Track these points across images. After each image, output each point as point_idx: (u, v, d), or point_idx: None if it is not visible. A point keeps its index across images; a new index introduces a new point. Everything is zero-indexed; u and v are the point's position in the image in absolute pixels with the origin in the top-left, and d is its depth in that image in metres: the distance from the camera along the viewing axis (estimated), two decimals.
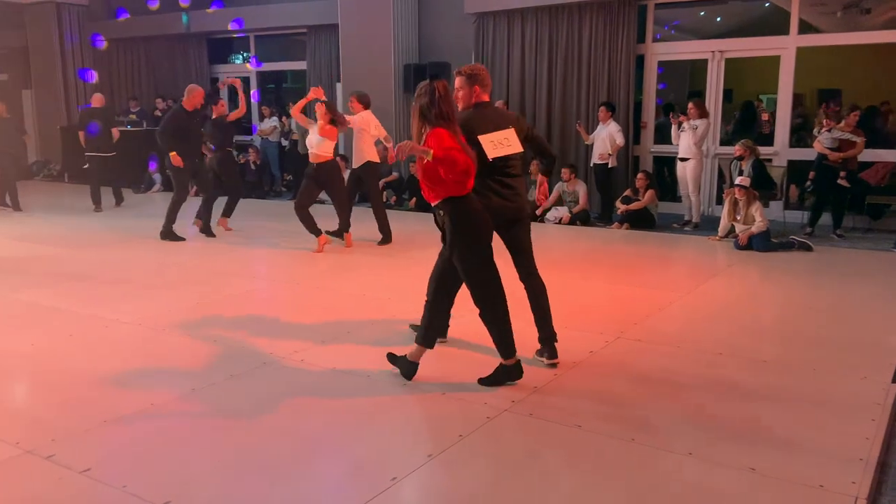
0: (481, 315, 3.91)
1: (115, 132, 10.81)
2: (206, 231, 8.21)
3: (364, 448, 3.21)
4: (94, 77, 13.57)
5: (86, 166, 10.74)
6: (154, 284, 6.13)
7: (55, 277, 6.35)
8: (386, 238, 7.72)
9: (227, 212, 8.47)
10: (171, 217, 7.95)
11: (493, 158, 3.94)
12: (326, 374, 4.08)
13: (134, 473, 2.95)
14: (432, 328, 3.95)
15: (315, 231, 7.31)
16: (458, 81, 4.21)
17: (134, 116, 13.42)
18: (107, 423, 3.42)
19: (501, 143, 3.95)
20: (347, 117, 7.49)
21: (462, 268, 3.81)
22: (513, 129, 4.00)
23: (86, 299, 5.61)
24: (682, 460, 3.09)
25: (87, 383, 3.93)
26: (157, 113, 13.21)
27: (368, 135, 7.62)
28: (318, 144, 7.16)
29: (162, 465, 3.04)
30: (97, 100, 10.77)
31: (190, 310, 5.30)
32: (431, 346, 3.95)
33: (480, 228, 3.77)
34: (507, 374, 3.88)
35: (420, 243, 7.66)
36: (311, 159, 7.30)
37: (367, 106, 7.76)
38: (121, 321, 5.03)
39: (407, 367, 3.97)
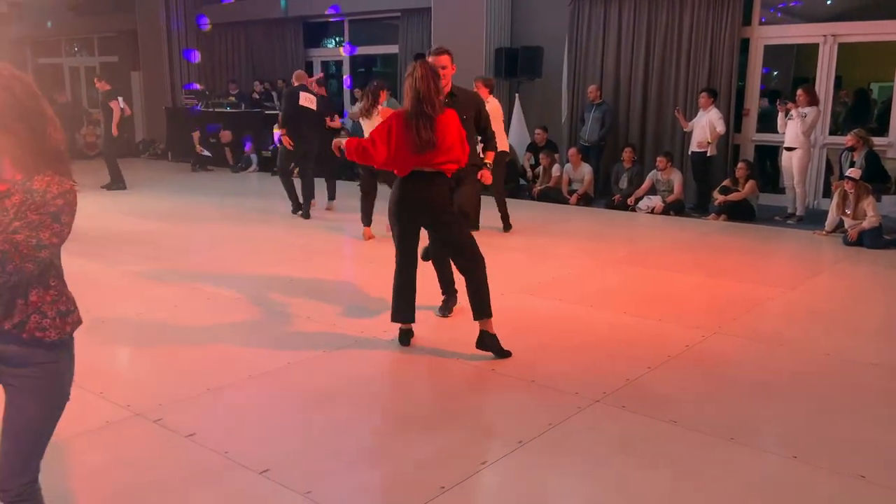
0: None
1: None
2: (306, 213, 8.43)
3: (454, 430, 3.22)
4: (198, 57, 14.12)
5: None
6: (252, 259, 6.34)
7: (159, 250, 6.67)
8: (506, 226, 7.69)
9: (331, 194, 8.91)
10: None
11: None
12: (416, 355, 4.11)
13: (234, 440, 3.06)
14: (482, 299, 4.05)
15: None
16: (446, 59, 4.47)
17: (233, 99, 13.89)
18: (210, 391, 3.56)
19: None
20: None
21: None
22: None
23: (187, 271, 5.87)
24: (785, 463, 2.95)
25: (191, 352, 4.12)
26: (255, 96, 13.63)
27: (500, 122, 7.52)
28: None
29: (260, 434, 3.14)
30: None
31: (286, 286, 5.45)
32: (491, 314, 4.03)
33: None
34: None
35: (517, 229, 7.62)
36: None
37: (492, 91, 7.62)
38: (221, 294, 5.24)
39: (495, 344, 3.98)
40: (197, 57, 14.17)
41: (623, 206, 9.12)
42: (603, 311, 4.93)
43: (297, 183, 8.46)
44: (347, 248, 7.15)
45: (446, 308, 4.78)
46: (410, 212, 4.00)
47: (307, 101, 8.23)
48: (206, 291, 5.32)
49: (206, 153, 13.14)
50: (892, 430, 3.26)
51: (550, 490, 2.76)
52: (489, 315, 4.02)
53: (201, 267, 6.10)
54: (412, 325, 4.26)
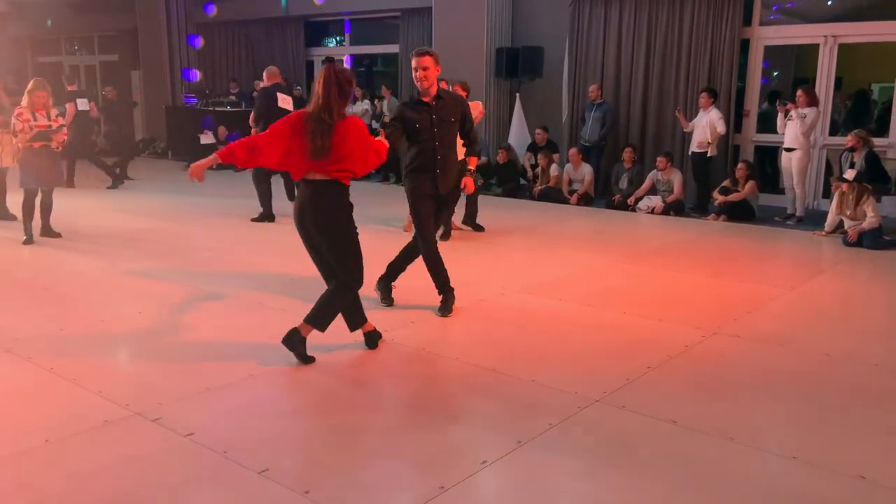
0: None
1: None
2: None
3: (454, 429, 3.22)
4: (200, 43, 14.10)
5: None
6: (252, 259, 6.33)
7: (160, 249, 6.66)
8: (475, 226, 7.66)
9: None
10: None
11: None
12: (416, 354, 4.11)
13: (234, 440, 3.06)
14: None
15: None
16: (428, 60, 4.44)
17: (233, 98, 13.89)
18: (209, 390, 3.56)
19: None
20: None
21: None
22: None
23: (187, 271, 5.86)
24: (785, 463, 2.95)
25: (191, 351, 4.11)
26: (255, 94, 13.63)
27: None
28: None
29: (260, 433, 3.14)
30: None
31: (287, 284, 5.45)
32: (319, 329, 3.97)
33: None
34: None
35: (507, 229, 7.61)
36: None
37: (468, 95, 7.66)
38: (222, 293, 5.23)
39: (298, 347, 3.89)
40: (196, 75, 14.27)
41: (623, 207, 9.12)
42: (603, 311, 4.92)
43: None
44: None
45: (445, 308, 4.78)
46: (299, 220, 3.86)
47: (284, 102, 7.95)
48: (205, 290, 5.31)
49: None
50: (893, 430, 3.25)
51: (551, 490, 2.75)
52: (316, 327, 3.91)
53: (201, 266, 6.09)
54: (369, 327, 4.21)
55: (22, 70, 16.03)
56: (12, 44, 18.88)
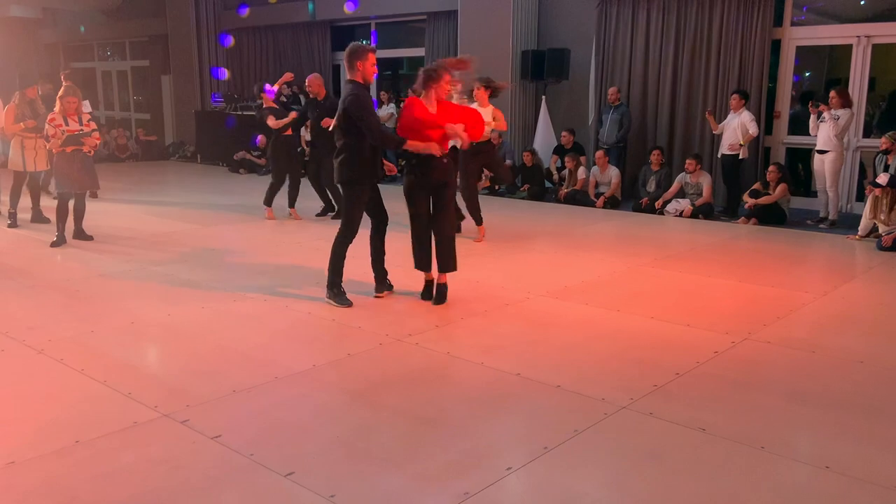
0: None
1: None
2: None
3: (479, 435, 3.20)
4: (230, 41, 14.26)
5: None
6: (279, 261, 6.38)
7: (189, 252, 6.74)
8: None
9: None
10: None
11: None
12: (441, 358, 4.10)
13: (260, 443, 3.07)
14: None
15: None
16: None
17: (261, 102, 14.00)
18: (236, 392, 3.58)
19: None
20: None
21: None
22: None
23: (215, 273, 5.92)
24: (817, 473, 2.88)
25: (217, 354, 4.15)
26: (283, 99, 13.72)
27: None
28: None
29: (286, 436, 3.15)
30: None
31: (311, 288, 5.47)
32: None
33: None
34: None
35: (523, 233, 7.56)
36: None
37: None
38: (247, 295, 5.27)
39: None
40: (224, 74, 14.43)
41: (651, 210, 9.02)
42: (630, 316, 4.87)
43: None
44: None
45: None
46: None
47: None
48: (233, 293, 5.36)
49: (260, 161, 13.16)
50: None
51: (576, 498, 2.72)
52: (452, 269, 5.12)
53: (229, 268, 6.15)
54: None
55: (55, 76, 16.35)
56: (47, 49, 19.30)
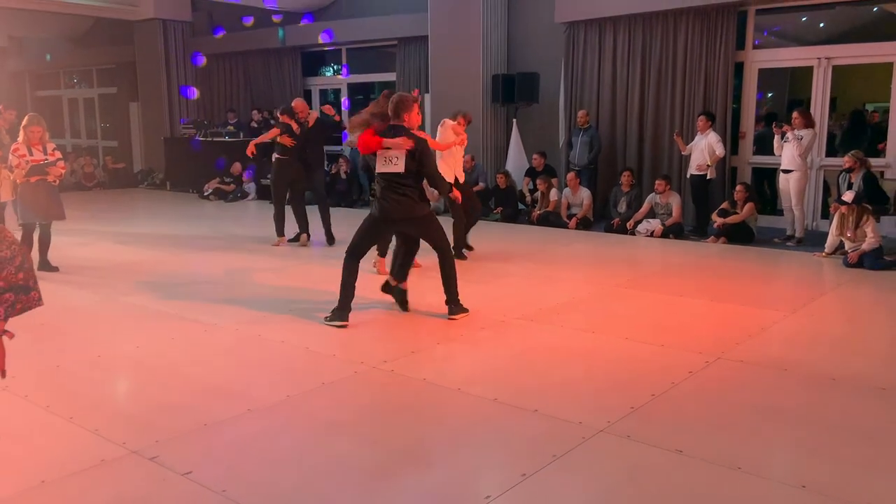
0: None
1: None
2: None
3: (457, 463, 3.16)
4: (195, 93, 14.28)
5: None
6: (251, 290, 6.30)
7: (158, 281, 6.62)
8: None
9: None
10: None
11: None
12: (417, 385, 4.06)
13: (233, 479, 3.00)
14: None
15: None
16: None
17: (232, 128, 13.95)
18: (207, 426, 3.50)
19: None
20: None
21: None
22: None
23: (185, 303, 5.82)
24: (794, 493, 2.89)
25: (188, 386, 4.06)
26: (253, 125, 13.69)
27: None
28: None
29: (259, 472, 3.08)
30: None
31: (284, 316, 5.41)
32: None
33: None
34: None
35: (506, 255, 7.58)
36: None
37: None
38: (219, 325, 5.19)
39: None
40: (194, 93, 14.39)
41: (622, 230, 9.11)
42: (605, 337, 4.88)
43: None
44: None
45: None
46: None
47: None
48: (204, 323, 5.27)
49: (248, 190, 13.05)
50: None
51: None
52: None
53: (199, 298, 6.05)
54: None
55: (21, 104, 16.11)
56: (11, 78, 19.03)
